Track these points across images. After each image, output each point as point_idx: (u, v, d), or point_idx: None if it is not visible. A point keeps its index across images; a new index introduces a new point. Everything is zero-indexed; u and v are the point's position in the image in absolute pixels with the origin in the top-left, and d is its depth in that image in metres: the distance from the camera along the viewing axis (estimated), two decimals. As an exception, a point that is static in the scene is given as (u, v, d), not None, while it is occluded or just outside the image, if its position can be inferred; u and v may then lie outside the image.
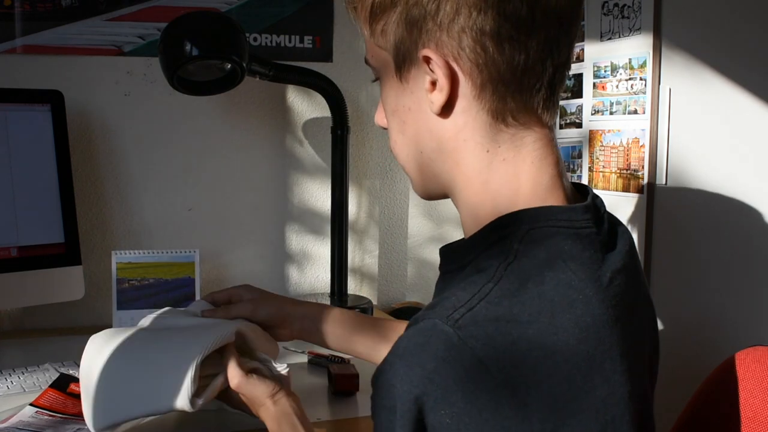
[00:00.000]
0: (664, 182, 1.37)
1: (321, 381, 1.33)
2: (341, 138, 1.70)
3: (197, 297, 1.61)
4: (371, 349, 1.11)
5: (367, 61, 0.82)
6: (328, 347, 1.14)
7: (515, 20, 0.68)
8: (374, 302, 1.85)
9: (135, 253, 1.59)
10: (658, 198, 1.38)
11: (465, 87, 0.72)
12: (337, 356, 1.37)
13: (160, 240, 1.73)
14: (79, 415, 1.08)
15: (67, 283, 1.51)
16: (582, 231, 0.72)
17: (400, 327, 1.12)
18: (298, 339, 1.13)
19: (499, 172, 0.74)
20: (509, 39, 0.69)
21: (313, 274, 1.87)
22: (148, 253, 1.60)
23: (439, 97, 0.72)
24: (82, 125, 1.67)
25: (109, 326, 1.56)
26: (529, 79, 0.71)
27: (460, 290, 0.68)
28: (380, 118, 0.84)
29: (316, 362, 1.39)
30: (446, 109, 0.73)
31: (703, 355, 1.20)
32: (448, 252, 0.80)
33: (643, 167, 1.40)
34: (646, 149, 1.38)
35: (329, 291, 1.76)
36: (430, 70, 0.72)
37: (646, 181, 1.39)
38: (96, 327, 1.62)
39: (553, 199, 0.74)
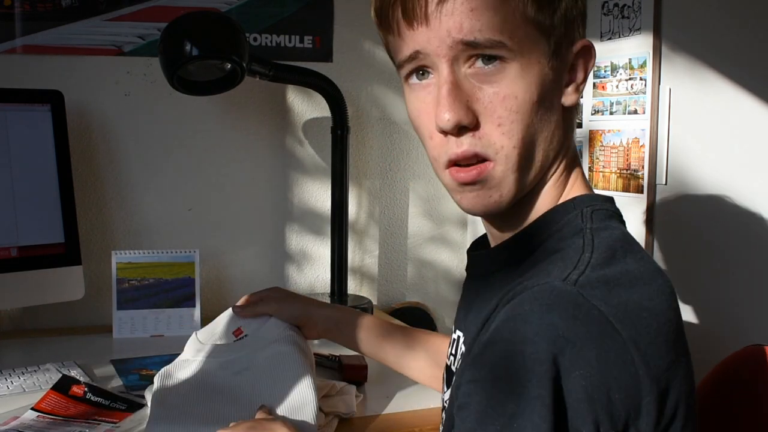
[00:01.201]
0: (664, 182, 1.37)
1: (330, 374, 1.34)
2: (341, 138, 1.70)
3: (197, 297, 1.61)
4: (398, 357, 1.13)
5: (479, 42, 0.71)
6: (353, 349, 1.17)
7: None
8: (374, 302, 1.85)
9: (135, 253, 1.59)
10: (658, 198, 1.38)
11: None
12: (336, 355, 1.38)
13: (160, 240, 1.73)
14: (80, 417, 1.08)
15: (67, 283, 1.50)
16: (622, 220, 0.77)
17: (424, 337, 1.14)
18: (323, 338, 1.18)
19: (566, 160, 0.77)
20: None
21: (313, 274, 1.87)
22: (148, 253, 1.60)
23: (575, 89, 0.76)
24: (82, 125, 1.67)
25: (109, 326, 1.58)
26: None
27: (558, 262, 0.68)
28: (462, 113, 0.76)
29: (327, 364, 1.40)
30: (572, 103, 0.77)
31: (703, 355, 1.20)
32: (497, 252, 0.79)
33: (643, 167, 1.40)
34: (646, 149, 1.38)
35: (329, 291, 1.75)
36: (577, 58, 0.75)
37: (646, 181, 1.39)
38: (96, 327, 1.64)
39: (586, 188, 0.78)
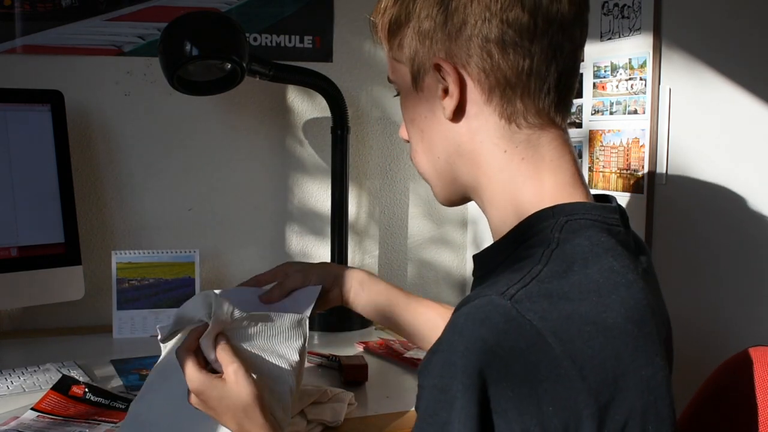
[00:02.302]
0: (664, 182, 1.37)
1: (331, 374, 1.35)
2: (341, 138, 1.70)
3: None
4: (410, 327, 1.12)
5: (389, 79, 0.86)
6: (368, 315, 1.14)
7: (517, 27, 0.72)
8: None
9: (135, 253, 1.59)
10: (658, 198, 1.38)
11: (474, 92, 0.76)
12: (336, 356, 1.38)
13: (160, 240, 1.73)
14: (80, 417, 1.08)
15: (67, 283, 1.51)
16: (613, 228, 0.75)
17: (431, 310, 1.13)
18: (346, 302, 1.14)
19: (520, 170, 0.77)
20: (513, 45, 0.73)
21: (313, 274, 1.86)
22: (148, 253, 1.60)
23: (450, 102, 0.76)
24: (82, 125, 1.67)
25: (109, 326, 1.58)
26: (535, 83, 0.74)
27: (508, 272, 0.70)
28: (403, 132, 0.88)
29: (327, 365, 1.40)
30: (458, 114, 0.77)
31: (704, 355, 1.20)
32: (484, 255, 0.82)
33: (643, 167, 1.40)
34: (646, 149, 1.38)
35: (329, 291, 1.76)
36: (442, 77, 0.76)
37: (646, 181, 1.39)
38: (96, 327, 1.64)
39: (578, 195, 0.77)
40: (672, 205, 1.36)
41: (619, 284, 0.69)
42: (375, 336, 1.62)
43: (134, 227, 1.72)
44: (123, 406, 1.13)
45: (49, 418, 1.08)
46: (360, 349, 1.52)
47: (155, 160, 1.72)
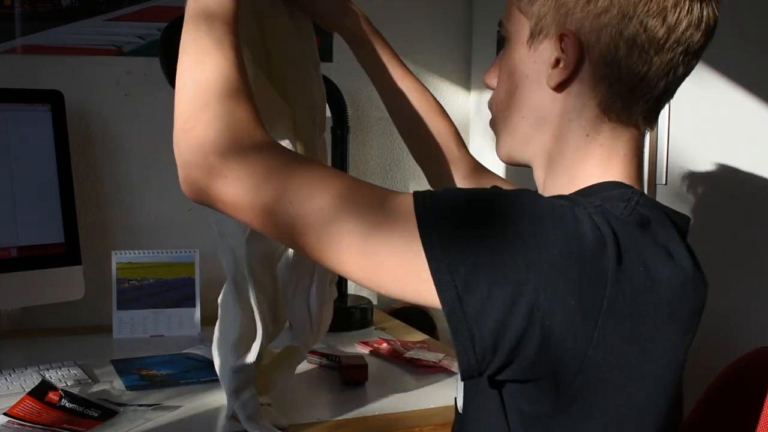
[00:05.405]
0: (664, 182, 1.37)
1: (331, 375, 1.34)
2: (341, 138, 1.70)
3: (197, 297, 1.61)
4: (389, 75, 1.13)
5: (501, 23, 0.85)
6: (359, 52, 1.14)
7: (651, 35, 0.75)
8: (374, 302, 1.85)
9: (135, 253, 1.59)
10: (658, 198, 1.38)
11: (585, 74, 0.77)
12: (336, 355, 1.38)
13: (160, 240, 1.72)
14: (52, 425, 1.07)
15: (67, 283, 1.51)
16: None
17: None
18: (348, 33, 1.13)
19: (594, 154, 0.79)
20: (640, 49, 0.75)
21: (313, 274, 1.86)
22: (148, 253, 1.60)
23: (559, 74, 0.77)
24: (82, 125, 1.67)
25: (109, 326, 1.58)
26: (642, 90, 0.77)
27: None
28: (490, 78, 0.87)
29: (327, 365, 1.40)
30: (560, 87, 0.78)
31: (704, 356, 1.20)
32: None
33: (643, 167, 1.40)
34: (646, 149, 1.38)
35: (329, 291, 1.75)
36: (561, 48, 0.77)
37: (646, 181, 1.39)
38: (96, 327, 1.64)
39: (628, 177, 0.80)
40: (672, 205, 1.35)
41: (681, 254, 0.73)
42: (375, 336, 1.62)
43: (134, 227, 1.72)
44: (96, 414, 1.11)
45: (18, 423, 1.07)
46: (360, 349, 1.52)
47: (155, 160, 1.72)
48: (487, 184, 1.08)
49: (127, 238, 1.71)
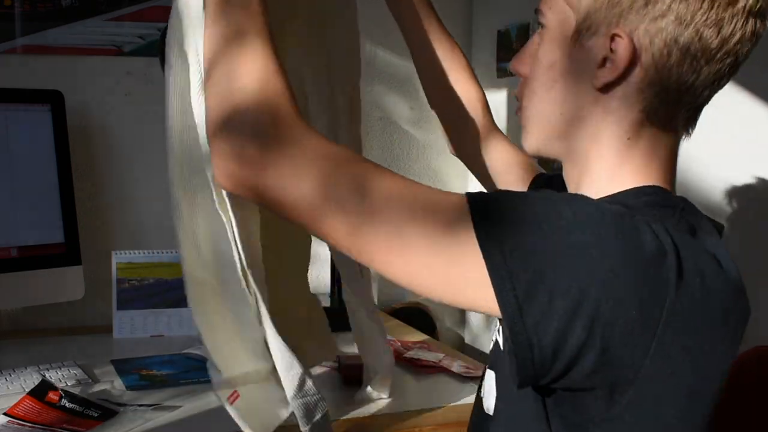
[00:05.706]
0: (664, 182, 1.37)
1: (331, 375, 1.35)
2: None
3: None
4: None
5: (540, 10, 0.81)
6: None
7: (705, 45, 0.73)
8: (374, 302, 1.85)
9: (135, 253, 1.59)
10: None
11: (634, 78, 0.75)
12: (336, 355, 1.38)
13: (160, 240, 1.72)
14: (52, 425, 1.07)
15: (67, 283, 1.51)
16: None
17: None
18: None
19: (633, 157, 0.77)
20: (692, 58, 0.73)
21: (313, 274, 1.85)
22: (148, 253, 1.60)
23: (606, 75, 0.75)
24: (82, 125, 1.67)
25: (109, 326, 1.58)
26: (688, 99, 0.76)
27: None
28: (522, 66, 0.83)
29: (328, 365, 1.40)
30: (606, 88, 0.76)
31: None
32: None
33: (643, 167, 1.40)
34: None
35: (329, 291, 1.75)
36: (611, 48, 0.74)
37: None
38: (96, 327, 1.64)
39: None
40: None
41: (729, 262, 0.72)
42: (375, 336, 1.61)
43: (134, 227, 1.72)
44: (96, 414, 1.11)
45: (17, 423, 1.07)
46: (360, 349, 1.52)
47: (155, 160, 1.71)
48: (506, 152, 1.11)
49: (127, 238, 1.71)
